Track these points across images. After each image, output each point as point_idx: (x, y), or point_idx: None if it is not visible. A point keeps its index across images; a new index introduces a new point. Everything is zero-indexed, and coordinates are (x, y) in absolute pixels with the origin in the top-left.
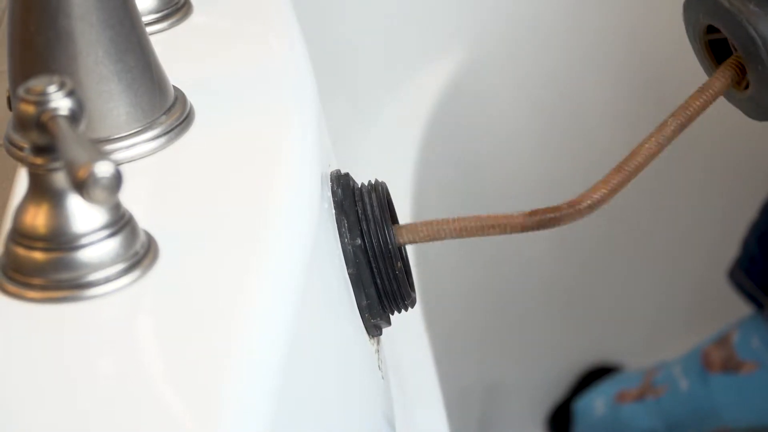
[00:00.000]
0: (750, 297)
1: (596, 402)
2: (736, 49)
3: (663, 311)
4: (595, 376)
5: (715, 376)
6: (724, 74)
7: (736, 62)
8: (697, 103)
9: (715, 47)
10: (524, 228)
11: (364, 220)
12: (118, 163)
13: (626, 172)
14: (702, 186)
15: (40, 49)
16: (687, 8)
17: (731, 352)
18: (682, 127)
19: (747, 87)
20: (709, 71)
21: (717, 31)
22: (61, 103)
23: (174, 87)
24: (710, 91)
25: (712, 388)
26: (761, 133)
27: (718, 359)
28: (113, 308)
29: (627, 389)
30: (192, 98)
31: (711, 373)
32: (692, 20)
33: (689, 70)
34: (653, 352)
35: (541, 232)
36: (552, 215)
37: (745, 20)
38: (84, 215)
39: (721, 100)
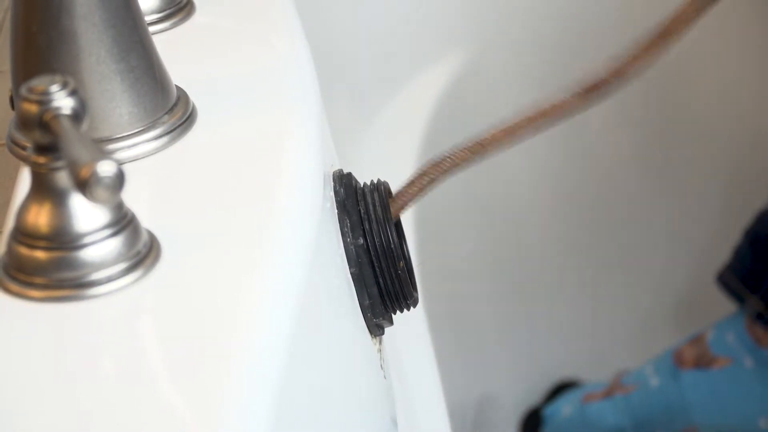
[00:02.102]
0: (733, 293)
1: (564, 407)
2: None
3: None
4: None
5: (687, 372)
6: None
7: None
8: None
9: None
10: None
11: (366, 219)
12: (120, 163)
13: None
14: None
15: (43, 48)
16: None
17: (704, 349)
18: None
19: None
20: None
21: None
22: (63, 103)
23: (176, 86)
24: None
25: (683, 384)
26: (751, 141)
27: (690, 356)
28: (115, 308)
29: (594, 392)
30: (194, 98)
31: (682, 370)
32: None
33: (693, 67)
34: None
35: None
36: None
37: None
38: (86, 214)
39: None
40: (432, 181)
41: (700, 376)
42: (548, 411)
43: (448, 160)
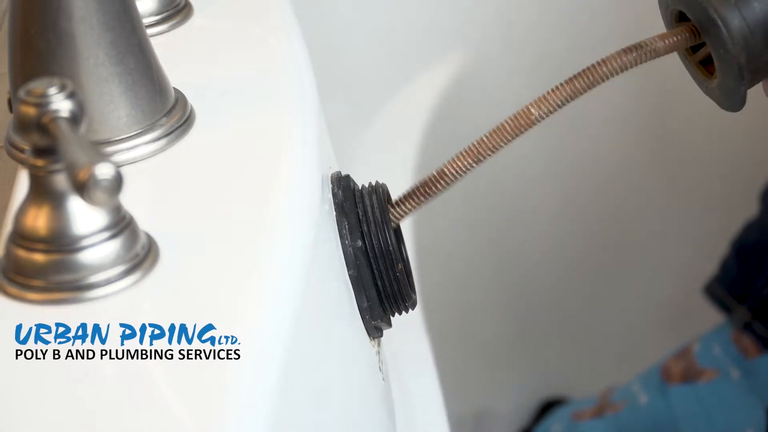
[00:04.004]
0: (721, 303)
1: (553, 426)
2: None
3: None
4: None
5: (675, 387)
6: (675, 34)
7: (689, 27)
8: (630, 56)
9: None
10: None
11: (364, 221)
12: (118, 165)
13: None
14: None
15: (41, 51)
16: None
17: (691, 362)
18: (605, 76)
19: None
20: (684, 60)
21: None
22: (61, 105)
23: (174, 89)
24: (651, 47)
25: (672, 400)
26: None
27: (677, 371)
28: (114, 310)
29: (583, 409)
30: (192, 100)
31: (670, 385)
32: (663, 6)
33: (687, 85)
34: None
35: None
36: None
37: (706, 2)
38: (85, 217)
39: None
40: (435, 192)
41: (688, 390)
42: (539, 431)
43: (451, 168)
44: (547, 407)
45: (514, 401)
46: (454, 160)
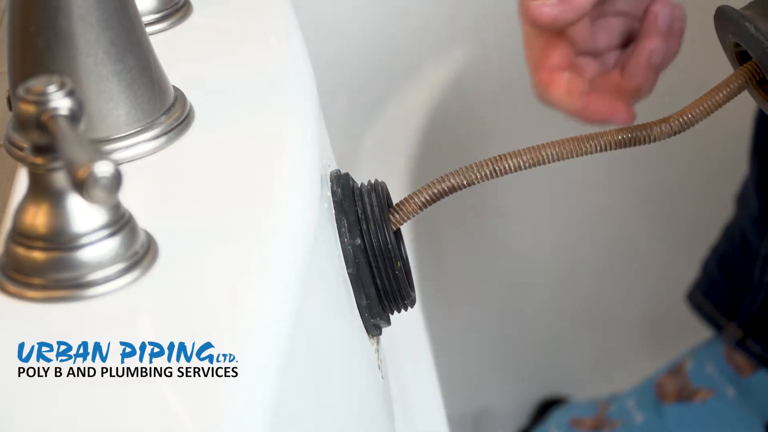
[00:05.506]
0: (709, 319)
1: (551, 429)
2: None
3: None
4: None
5: (670, 406)
6: (737, 78)
7: (751, 68)
8: (711, 102)
9: (746, 55)
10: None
11: (363, 219)
12: (117, 163)
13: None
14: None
15: (40, 49)
16: (716, 26)
17: (685, 381)
18: (694, 121)
19: None
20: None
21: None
22: (60, 103)
23: (174, 87)
24: (723, 92)
25: (667, 420)
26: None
27: (671, 389)
28: (113, 308)
29: (581, 418)
30: (191, 98)
31: (665, 404)
32: (721, 34)
33: (693, 68)
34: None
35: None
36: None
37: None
38: (84, 215)
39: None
40: (437, 195)
41: (683, 409)
42: None
43: (455, 176)
44: (546, 407)
45: (513, 401)
46: (452, 174)
